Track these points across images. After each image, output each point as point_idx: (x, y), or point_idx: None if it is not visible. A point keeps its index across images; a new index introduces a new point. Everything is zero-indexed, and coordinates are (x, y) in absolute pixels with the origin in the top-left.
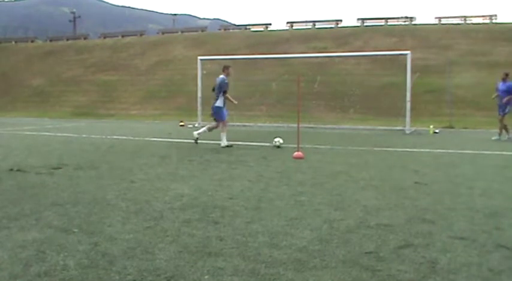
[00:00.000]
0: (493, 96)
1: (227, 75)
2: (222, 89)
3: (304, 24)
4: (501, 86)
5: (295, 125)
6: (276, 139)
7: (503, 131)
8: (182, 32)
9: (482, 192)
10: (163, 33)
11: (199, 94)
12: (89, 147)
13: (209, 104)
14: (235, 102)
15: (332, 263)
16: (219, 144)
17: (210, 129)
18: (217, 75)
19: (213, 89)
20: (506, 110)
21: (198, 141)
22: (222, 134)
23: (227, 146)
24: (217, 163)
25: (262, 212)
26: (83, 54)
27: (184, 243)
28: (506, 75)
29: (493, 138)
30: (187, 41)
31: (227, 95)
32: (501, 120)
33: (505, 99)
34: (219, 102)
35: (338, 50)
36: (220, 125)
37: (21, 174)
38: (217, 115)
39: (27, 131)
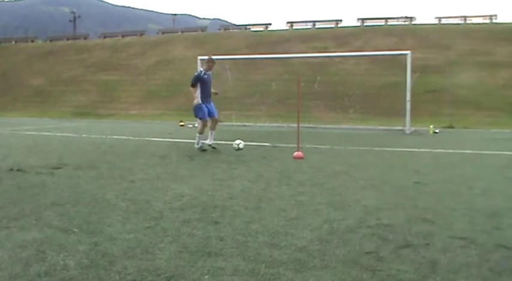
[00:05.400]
0: None
1: (207, 69)
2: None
3: (304, 24)
4: None
5: (295, 125)
6: (237, 141)
7: None
8: (182, 32)
9: (482, 192)
10: (163, 33)
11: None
12: (89, 147)
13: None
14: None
15: (332, 263)
16: (220, 144)
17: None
18: (218, 76)
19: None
20: None
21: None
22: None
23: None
24: (217, 162)
25: (262, 212)
26: (83, 54)
27: (184, 243)
28: None
29: None
30: (187, 41)
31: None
32: None
33: None
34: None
35: (338, 50)
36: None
37: (21, 174)
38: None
39: (27, 131)
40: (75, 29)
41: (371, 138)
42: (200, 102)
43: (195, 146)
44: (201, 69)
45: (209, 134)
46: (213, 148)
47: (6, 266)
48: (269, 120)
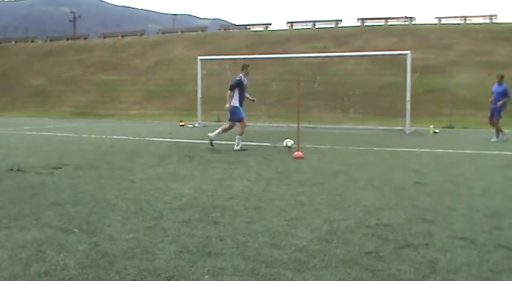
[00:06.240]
0: (490, 99)
1: (245, 74)
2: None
3: (304, 24)
4: (496, 88)
5: (295, 125)
6: (287, 140)
7: (499, 132)
8: (182, 32)
9: (482, 192)
10: (163, 33)
11: (199, 94)
12: (89, 147)
13: (209, 103)
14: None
15: (332, 263)
16: (221, 144)
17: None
18: (218, 75)
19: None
20: (502, 113)
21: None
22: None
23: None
24: (217, 163)
25: (262, 212)
26: (83, 54)
27: (184, 243)
28: (502, 77)
29: (492, 140)
30: (187, 41)
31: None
32: (496, 124)
33: (499, 103)
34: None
35: (338, 50)
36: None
37: (21, 174)
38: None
39: (27, 131)
40: (75, 29)
41: (371, 138)
42: (238, 105)
43: (235, 147)
44: (241, 75)
45: (219, 130)
46: (211, 144)
47: (6, 266)
48: (269, 120)
